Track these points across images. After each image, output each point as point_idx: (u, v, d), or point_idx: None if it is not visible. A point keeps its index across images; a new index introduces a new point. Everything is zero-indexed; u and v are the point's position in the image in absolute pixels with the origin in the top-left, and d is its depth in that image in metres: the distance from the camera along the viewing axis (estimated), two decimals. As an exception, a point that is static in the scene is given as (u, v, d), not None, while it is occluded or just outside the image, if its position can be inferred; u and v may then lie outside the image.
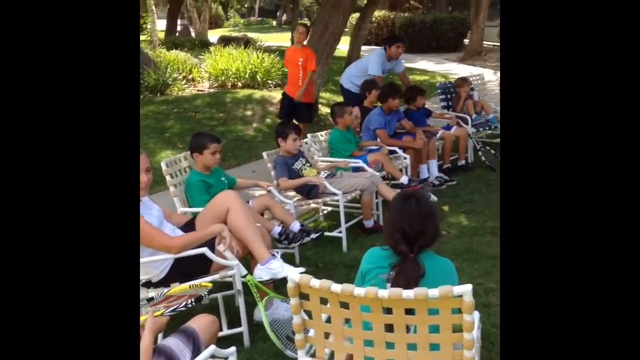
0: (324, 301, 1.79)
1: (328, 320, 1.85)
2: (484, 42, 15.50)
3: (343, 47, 11.91)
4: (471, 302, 1.57)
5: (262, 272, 2.78)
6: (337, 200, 3.98)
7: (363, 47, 11.22)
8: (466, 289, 1.56)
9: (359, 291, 1.66)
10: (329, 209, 4.65)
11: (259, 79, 9.58)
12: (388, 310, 1.70)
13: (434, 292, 1.59)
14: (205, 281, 2.53)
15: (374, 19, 17.78)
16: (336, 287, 1.70)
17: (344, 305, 1.76)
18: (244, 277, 2.71)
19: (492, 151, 5.99)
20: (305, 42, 6.47)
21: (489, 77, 11.39)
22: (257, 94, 9.01)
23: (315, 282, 1.73)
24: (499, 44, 14.41)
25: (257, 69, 9.63)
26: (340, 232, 4.00)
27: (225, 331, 2.80)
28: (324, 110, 8.37)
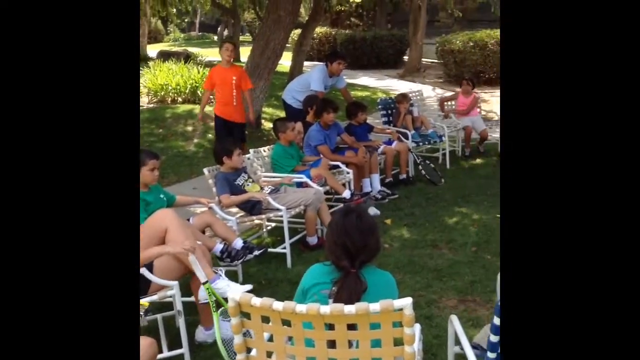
0: (265, 319, 1.76)
1: (270, 339, 1.82)
2: (423, 59, 15.96)
3: (286, 62, 11.97)
4: (411, 315, 1.58)
5: (206, 293, 2.71)
6: (281, 216, 3.95)
7: (305, 63, 11.30)
8: (406, 302, 1.58)
9: (301, 308, 1.65)
10: (273, 224, 4.61)
11: (200, 94, 9.45)
12: (330, 327, 1.69)
13: (375, 307, 1.59)
14: (143, 301, 2.44)
15: (315, 35, 18.00)
16: (278, 305, 1.68)
17: (286, 323, 1.74)
18: (204, 284, 2.64)
19: (432, 165, 6.14)
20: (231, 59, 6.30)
21: (428, 93, 11.73)
22: (198, 109, 8.87)
23: (256, 301, 1.70)
24: (437, 60, 14.91)
25: (197, 84, 9.50)
26: (284, 248, 3.97)
27: (166, 353, 2.71)
28: (267, 125, 8.35)
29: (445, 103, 7.35)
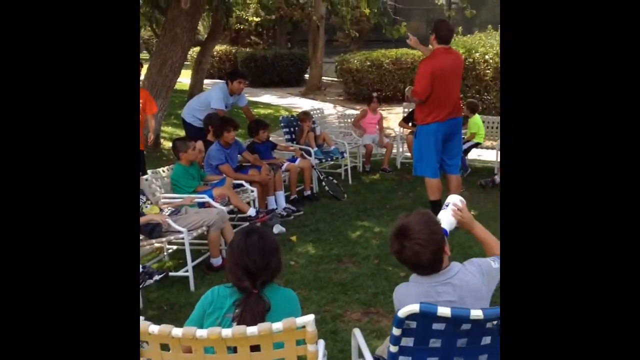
0: (165, 347, 1.69)
1: (171, 368, 1.75)
2: (323, 78, 16.33)
3: (185, 80, 11.74)
4: (314, 332, 1.59)
5: None
6: (182, 238, 3.84)
7: (206, 81, 11.16)
8: (308, 319, 1.58)
9: (202, 333, 1.60)
10: (174, 247, 4.46)
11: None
12: (234, 350, 1.66)
13: (278, 326, 1.58)
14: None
15: (215, 53, 17.85)
16: (177, 332, 1.62)
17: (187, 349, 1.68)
18: None
19: (335, 181, 6.26)
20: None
21: (329, 110, 11.99)
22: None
23: (154, 328, 1.63)
24: (336, 79, 15.30)
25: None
26: (186, 271, 3.85)
27: None
28: (166, 144, 8.11)
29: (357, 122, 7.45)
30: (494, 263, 1.98)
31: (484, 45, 9.38)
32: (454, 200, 2.23)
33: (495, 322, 1.68)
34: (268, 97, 14.68)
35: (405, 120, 7.30)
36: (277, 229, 4.90)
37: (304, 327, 1.59)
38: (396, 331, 1.67)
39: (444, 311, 1.60)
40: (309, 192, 5.94)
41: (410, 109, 7.08)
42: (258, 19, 16.02)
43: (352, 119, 7.50)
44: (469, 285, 1.88)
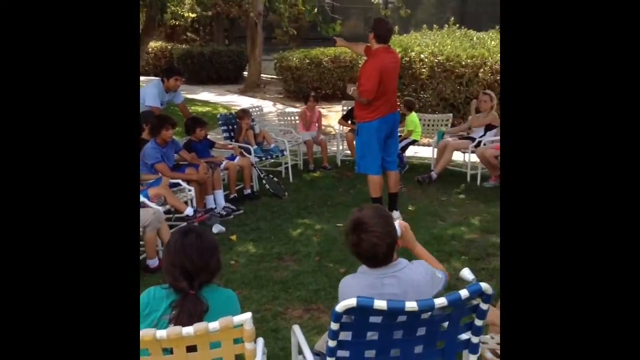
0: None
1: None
2: (262, 75, 16.23)
3: (119, 77, 11.34)
4: (252, 330, 1.58)
5: None
6: (117, 240, 3.70)
7: (141, 78, 10.83)
8: (246, 317, 1.57)
9: (136, 336, 1.55)
10: (109, 249, 4.31)
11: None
12: (170, 351, 1.62)
13: (214, 325, 1.56)
14: None
15: (150, 49, 17.37)
16: (109, 336, 1.56)
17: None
18: None
19: (275, 179, 6.24)
20: None
21: (269, 108, 11.95)
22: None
23: (85, 334, 1.56)
24: (276, 76, 15.25)
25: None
26: (122, 273, 3.72)
27: None
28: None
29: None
30: (439, 273, 2.03)
31: (420, 45, 9.60)
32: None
33: (429, 313, 1.73)
34: (206, 95, 14.43)
35: (345, 118, 7.37)
36: (217, 228, 4.83)
37: (241, 325, 1.57)
38: (334, 326, 1.69)
39: (380, 304, 1.63)
40: (249, 191, 5.89)
41: (350, 107, 7.15)
42: (194, 15, 15.72)
43: (297, 120, 7.50)
44: (414, 282, 1.92)
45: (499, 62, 8.57)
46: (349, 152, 7.32)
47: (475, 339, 1.90)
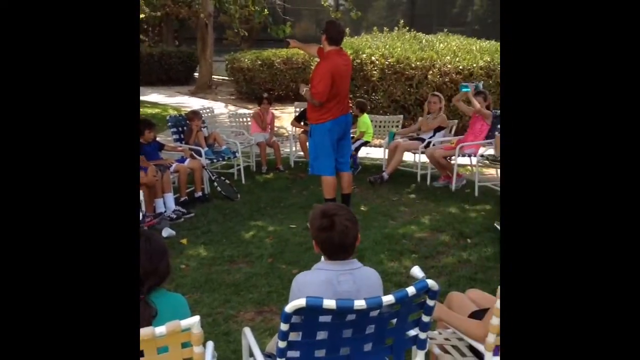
0: None
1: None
2: (214, 76, 16.05)
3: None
4: (200, 334, 1.56)
5: None
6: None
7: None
8: (193, 321, 1.55)
9: (79, 344, 1.51)
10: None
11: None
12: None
13: (161, 330, 1.53)
14: None
15: (98, 50, 16.86)
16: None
17: None
18: None
19: (227, 181, 6.18)
20: None
21: (221, 110, 11.82)
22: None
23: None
24: (227, 78, 15.11)
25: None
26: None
27: None
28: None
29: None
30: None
31: (371, 47, 9.73)
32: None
33: (378, 311, 1.75)
34: (155, 96, 14.14)
35: (298, 120, 7.37)
36: (167, 232, 4.74)
37: (189, 329, 1.55)
38: (284, 326, 1.69)
39: (330, 303, 1.64)
40: (200, 194, 5.81)
41: (302, 108, 7.17)
42: (142, 16, 15.38)
43: (249, 121, 7.45)
44: (368, 281, 1.95)
45: (446, 65, 8.80)
46: (302, 153, 7.33)
47: (422, 335, 1.94)
